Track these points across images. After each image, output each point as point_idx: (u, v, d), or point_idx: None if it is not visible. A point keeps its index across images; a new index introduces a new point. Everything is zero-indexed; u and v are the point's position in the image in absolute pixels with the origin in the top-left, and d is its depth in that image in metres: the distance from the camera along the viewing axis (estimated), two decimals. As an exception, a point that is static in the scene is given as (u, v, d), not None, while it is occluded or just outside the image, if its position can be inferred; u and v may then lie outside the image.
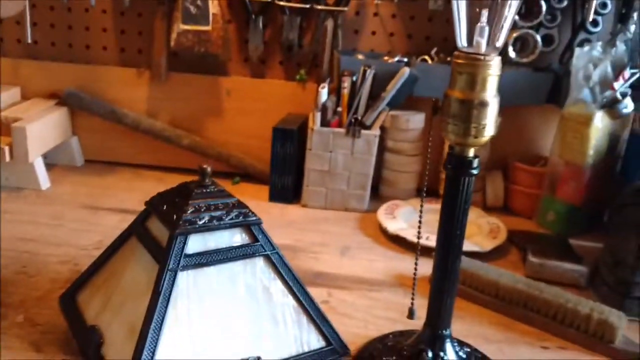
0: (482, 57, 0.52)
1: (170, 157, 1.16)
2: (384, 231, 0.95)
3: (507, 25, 0.53)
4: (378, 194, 1.10)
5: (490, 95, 0.53)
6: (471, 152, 0.55)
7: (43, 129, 1.05)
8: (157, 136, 1.14)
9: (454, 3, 0.52)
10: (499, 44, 0.53)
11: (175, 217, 0.59)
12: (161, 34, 1.10)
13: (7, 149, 0.99)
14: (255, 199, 1.07)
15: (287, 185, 1.06)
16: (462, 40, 0.54)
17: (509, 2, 0.52)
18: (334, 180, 1.03)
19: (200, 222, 0.59)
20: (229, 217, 0.60)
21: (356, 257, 0.88)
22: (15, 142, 0.99)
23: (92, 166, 1.17)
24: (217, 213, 0.60)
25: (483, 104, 0.53)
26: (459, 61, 0.52)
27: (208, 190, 0.62)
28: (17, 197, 1.00)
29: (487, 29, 0.53)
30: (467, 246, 0.90)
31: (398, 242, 0.92)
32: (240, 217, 0.61)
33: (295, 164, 1.05)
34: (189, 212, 0.59)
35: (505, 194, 1.09)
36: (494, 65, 0.52)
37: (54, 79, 1.14)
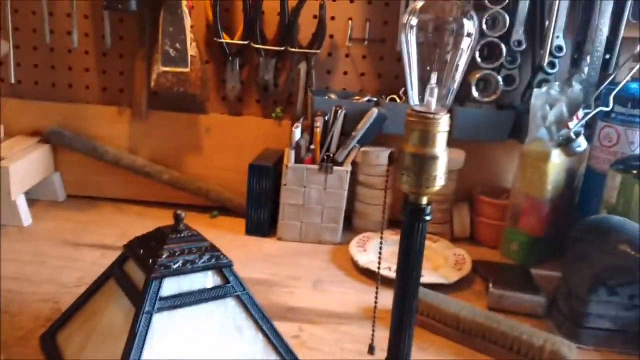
0: (432, 116, 0.57)
1: (151, 192, 1.20)
2: (355, 264, 1.00)
3: (455, 85, 0.58)
4: (351, 226, 1.15)
5: (440, 149, 0.58)
6: (424, 200, 0.60)
7: (26, 166, 1.09)
8: (138, 172, 1.18)
9: (406, 68, 0.58)
10: (448, 102, 0.59)
11: (151, 261, 0.63)
12: (142, 74, 1.14)
13: (-10, 187, 1.02)
14: (233, 232, 1.11)
15: (263, 219, 1.10)
16: (414, 100, 0.59)
17: (455, 65, 0.57)
18: (308, 214, 1.08)
19: (175, 266, 0.63)
20: (202, 260, 0.65)
21: (328, 290, 0.92)
22: (-2, 180, 1.03)
23: (74, 201, 1.20)
24: (191, 257, 0.64)
25: (433, 158, 0.58)
26: (411, 119, 0.57)
27: (182, 235, 0.66)
28: None
29: (436, 89, 0.58)
30: (433, 278, 0.95)
31: (369, 274, 0.97)
32: (213, 260, 0.65)
33: (270, 198, 1.09)
34: (163, 256, 0.63)
35: (472, 225, 1.15)
36: (443, 123, 0.57)
37: (37, 117, 1.18)
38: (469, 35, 0.55)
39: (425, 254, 1.06)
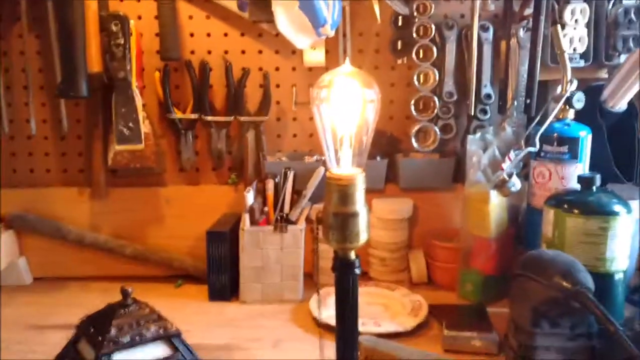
0: (348, 176, 0.62)
1: (115, 267, 1.22)
2: (315, 320, 1.02)
3: (366, 148, 0.63)
4: (313, 281, 1.18)
5: (360, 206, 0.63)
6: (352, 255, 0.65)
7: (-11, 254, 1.11)
8: (102, 248, 1.21)
9: (320, 135, 0.63)
10: (362, 161, 0.64)
11: (100, 338, 0.66)
12: (99, 154, 1.19)
13: (-47, 278, 1.04)
14: (197, 299, 1.13)
15: (224, 283, 1.13)
16: (331, 163, 0.64)
17: (364, 128, 0.63)
18: (268, 275, 1.11)
19: (124, 341, 0.66)
20: (150, 332, 0.68)
21: (288, 349, 0.95)
22: (-39, 270, 1.05)
23: (40, 284, 1.22)
24: (140, 330, 0.67)
25: (354, 215, 0.62)
26: (330, 182, 0.62)
27: (130, 309, 0.69)
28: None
29: (349, 152, 0.63)
30: (390, 327, 0.98)
31: (330, 329, 0.99)
32: (161, 331, 0.68)
33: (230, 262, 1.12)
34: (112, 332, 0.66)
35: (428, 269, 1.18)
36: (359, 182, 0.62)
37: (1, 205, 1.21)
38: (372, 102, 0.61)
39: (384, 303, 1.11)
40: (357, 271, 0.65)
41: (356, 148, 0.63)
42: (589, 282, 0.84)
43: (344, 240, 0.63)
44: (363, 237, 0.63)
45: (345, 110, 0.61)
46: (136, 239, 1.23)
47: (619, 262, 0.91)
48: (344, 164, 0.63)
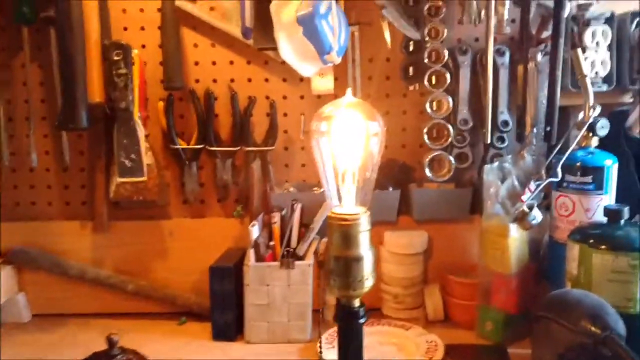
0: (351, 217, 0.57)
1: (117, 304, 1.17)
2: (324, 362, 0.96)
3: (371, 184, 0.58)
4: (323, 319, 1.12)
5: (364, 249, 0.57)
6: (357, 303, 0.59)
7: (-13, 291, 1.07)
8: (103, 284, 1.17)
9: (320, 170, 0.58)
10: (367, 198, 0.59)
11: (83, 392, 0.60)
12: (101, 186, 1.16)
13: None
14: (200, 338, 1.08)
15: (229, 322, 1.07)
16: (332, 201, 0.59)
17: (369, 164, 0.58)
18: (274, 313, 1.05)
19: (109, 395, 0.60)
20: (138, 385, 0.62)
21: (294, 394, 0.89)
22: (-44, 309, 1.01)
23: (39, 321, 1.17)
24: (127, 382, 0.62)
25: (358, 259, 0.57)
26: (331, 222, 0.57)
27: (116, 359, 0.64)
28: (-41, 365, 1.00)
29: (353, 189, 0.58)
30: (403, 370, 0.91)
31: (338, 372, 0.93)
32: (150, 384, 0.63)
33: (235, 300, 1.07)
34: (96, 386, 0.61)
35: (445, 306, 1.11)
36: (363, 222, 0.57)
37: (2, 238, 1.18)
38: (375, 135, 0.56)
39: (398, 343, 1.05)
40: (362, 321, 0.59)
41: (360, 184, 0.58)
42: (620, 326, 0.77)
43: (347, 287, 0.57)
44: (368, 284, 0.58)
45: (348, 144, 0.56)
46: (139, 274, 1.18)
47: (651, 303, 0.84)
48: (347, 202, 0.57)
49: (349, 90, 0.58)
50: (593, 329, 0.75)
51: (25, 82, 1.14)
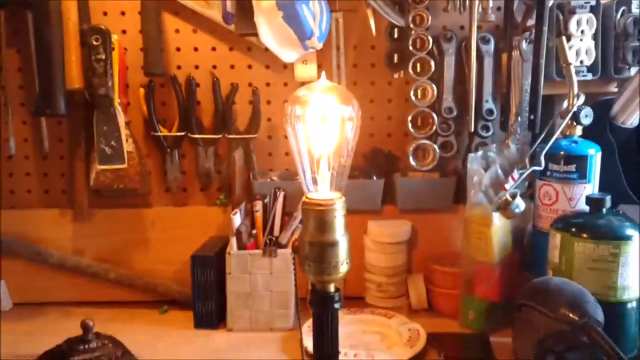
0: (326, 202, 0.56)
1: (99, 292, 1.16)
2: (306, 350, 0.95)
3: (346, 170, 0.57)
4: (307, 307, 1.11)
5: (339, 234, 0.56)
6: (332, 288, 0.58)
7: (-36, 279, 1.06)
8: (84, 272, 1.15)
9: (295, 155, 0.57)
10: (342, 184, 0.58)
11: (55, 379, 0.59)
12: (81, 174, 1.14)
13: None
14: (182, 327, 1.07)
15: (211, 310, 1.06)
16: (307, 186, 0.58)
17: (344, 149, 0.57)
18: (256, 301, 1.04)
19: (81, 381, 0.59)
20: (111, 371, 0.61)
21: (275, 383, 0.88)
22: None
23: (20, 310, 1.16)
24: (99, 368, 0.61)
25: (332, 245, 0.56)
26: (306, 207, 0.56)
27: (90, 345, 0.63)
28: None
29: (328, 174, 0.57)
30: (384, 358, 0.91)
31: (319, 360, 0.92)
32: (123, 370, 0.62)
33: (216, 288, 1.06)
34: (68, 372, 0.60)
35: (429, 295, 1.11)
36: (339, 208, 0.56)
37: (-21, 227, 1.16)
38: (350, 119, 0.55)
39: (380, 331, 1.04)
40: (337, 306, 0.58)
41: (335, 170, 0.57)
42: (599, 313, 0.77)
43: (322, 273, 0.56)
44: (343, 269, 0.57)
45: (322, 128, 0.55)
46: (120, 263, 1.17)
47: (631, 290, 0.84)
48: (322, 187, 0.56)
49: (323, 74, 0.57)
50: (572, 316, 0.75)
51: (1, 68, 1.12)
